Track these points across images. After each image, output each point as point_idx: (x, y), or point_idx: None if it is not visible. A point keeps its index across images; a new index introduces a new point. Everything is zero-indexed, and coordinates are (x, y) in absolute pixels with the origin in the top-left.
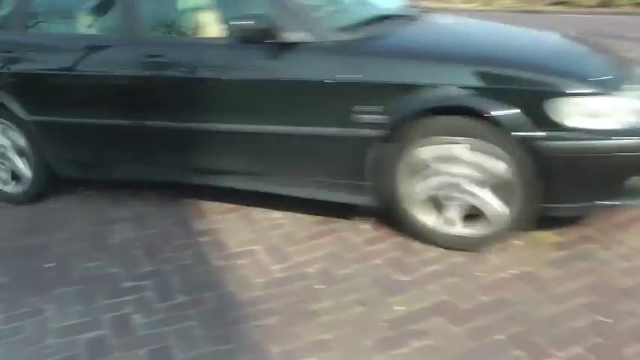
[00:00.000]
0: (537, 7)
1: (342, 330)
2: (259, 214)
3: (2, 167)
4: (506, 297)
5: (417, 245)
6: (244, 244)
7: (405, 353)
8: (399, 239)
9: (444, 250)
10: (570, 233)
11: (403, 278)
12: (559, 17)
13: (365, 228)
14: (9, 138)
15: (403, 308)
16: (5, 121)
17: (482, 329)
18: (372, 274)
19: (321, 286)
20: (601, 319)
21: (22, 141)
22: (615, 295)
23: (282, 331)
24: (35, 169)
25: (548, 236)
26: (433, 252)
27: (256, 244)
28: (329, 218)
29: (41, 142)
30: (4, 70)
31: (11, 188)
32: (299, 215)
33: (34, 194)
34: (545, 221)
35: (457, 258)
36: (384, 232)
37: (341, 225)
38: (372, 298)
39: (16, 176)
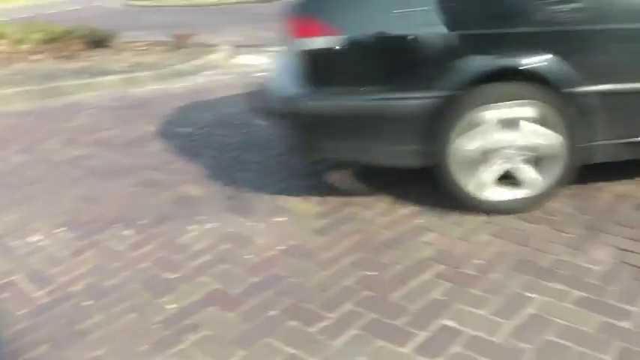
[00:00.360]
0: None
1: (115, 342)
2: (16, 240)
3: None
4: (276, 273)
5: (182, 241)
6: (3, 277)
7: (182, 350)
8: (163, 239)
9: (210, 241)
10: (331, 201)
11: (172, 276)
12: None
13: (128, 234)
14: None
15: (175, 305)
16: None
17: (255, 310)
18: (141, 279)
19: (90, 302)
20: (368, 273)
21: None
22: (379, 248)
23: (52, 358)
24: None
25: (310, 207)
26: (199, 244)
27: (16, 274)
28: (91, 231)
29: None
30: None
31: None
32: (59, 234)
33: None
34: (306, 193)
35: (224, 245)
36: (147, 234)
37: (103, 236)
38: (143, 302)
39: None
